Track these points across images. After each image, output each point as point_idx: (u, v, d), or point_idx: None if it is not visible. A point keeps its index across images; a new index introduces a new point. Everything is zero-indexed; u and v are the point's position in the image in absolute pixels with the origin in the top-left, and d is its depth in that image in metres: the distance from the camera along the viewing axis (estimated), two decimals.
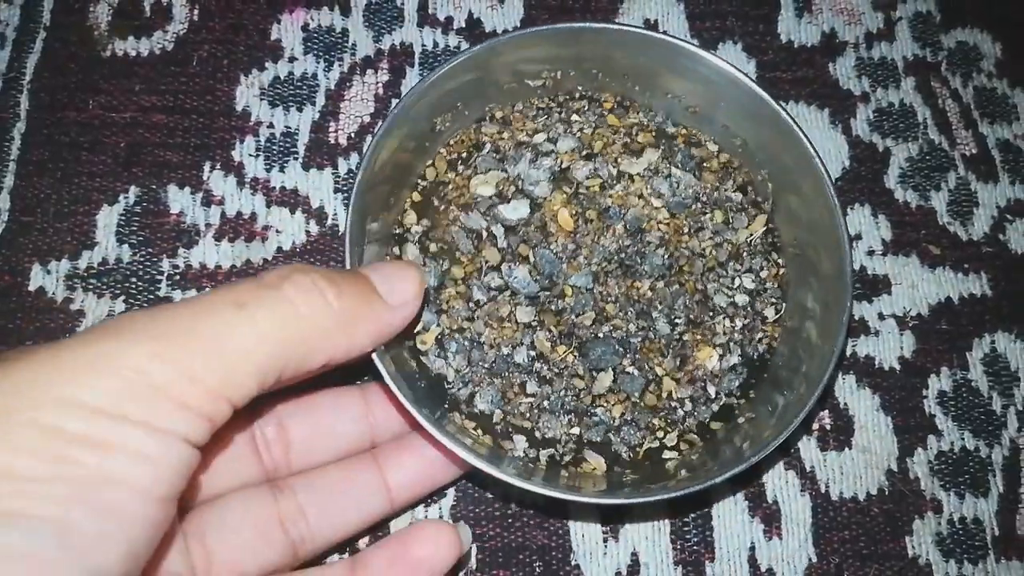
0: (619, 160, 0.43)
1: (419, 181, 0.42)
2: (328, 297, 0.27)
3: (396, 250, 0.40)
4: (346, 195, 0.44)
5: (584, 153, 0.43)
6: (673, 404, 0.39)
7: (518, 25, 0.48)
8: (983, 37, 0.51)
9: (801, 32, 0.50)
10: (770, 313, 0.41)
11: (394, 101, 0.46)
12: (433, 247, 0.41)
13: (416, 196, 0.41)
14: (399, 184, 0.41)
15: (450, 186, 0.42)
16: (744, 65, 0.48)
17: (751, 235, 0.42)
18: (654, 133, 0.43)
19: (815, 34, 0.50)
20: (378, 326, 0.29)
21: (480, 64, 0.40)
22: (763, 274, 0.42)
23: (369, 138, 0.45)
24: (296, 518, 0.32)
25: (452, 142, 0.42)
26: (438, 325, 0.39)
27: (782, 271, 0.42)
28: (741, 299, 0.41)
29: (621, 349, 0.39)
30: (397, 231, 0.41)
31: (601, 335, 0.40)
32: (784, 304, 0.41)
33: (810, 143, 0.39)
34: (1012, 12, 0.52)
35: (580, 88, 0.44)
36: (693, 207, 0.42)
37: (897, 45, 0.50)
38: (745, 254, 0.42)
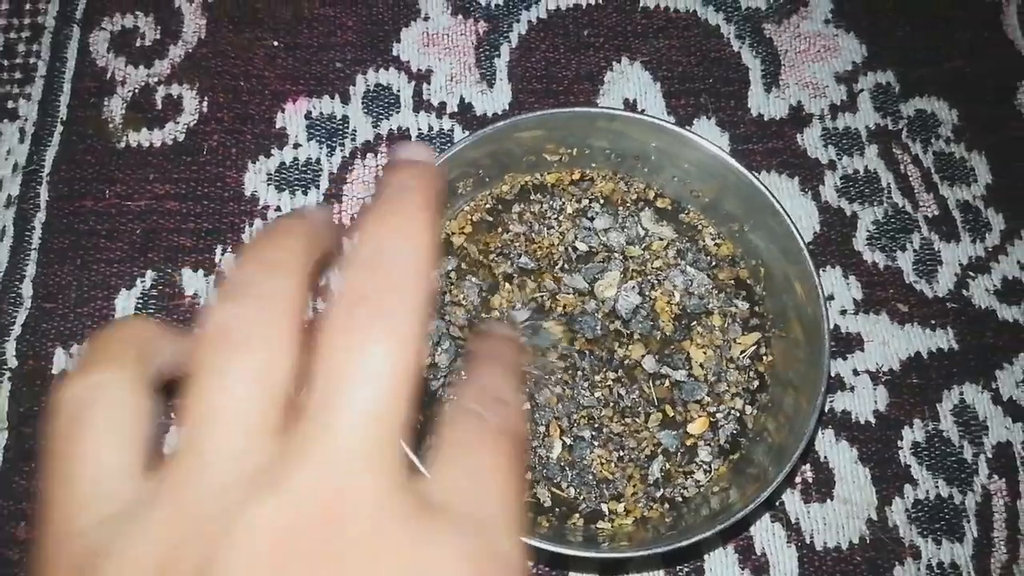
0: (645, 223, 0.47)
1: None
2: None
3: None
4: None
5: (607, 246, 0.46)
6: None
7: (507, 108, 0.52)
8: (940, 105, 0.55)
9: (770, 106, 0.54)
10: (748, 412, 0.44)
11: None
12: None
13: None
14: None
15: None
16: (718, 139, 0.52)
17: (742, 350, 0.44)
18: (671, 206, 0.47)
19: (783, 107, 0.54)
20: None
21: (499, 140, 0.43)
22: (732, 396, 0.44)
23: None
24: None
25: (472, 205, 0.46)
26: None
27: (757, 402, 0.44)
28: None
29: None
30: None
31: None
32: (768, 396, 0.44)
33: (801, 237, 0.41)
34: (966, 80, 0.56)
35: (594, 164, 0.47)
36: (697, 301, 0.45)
37: (860, 115, 0.54)
38: (730, 369, 0.44)
